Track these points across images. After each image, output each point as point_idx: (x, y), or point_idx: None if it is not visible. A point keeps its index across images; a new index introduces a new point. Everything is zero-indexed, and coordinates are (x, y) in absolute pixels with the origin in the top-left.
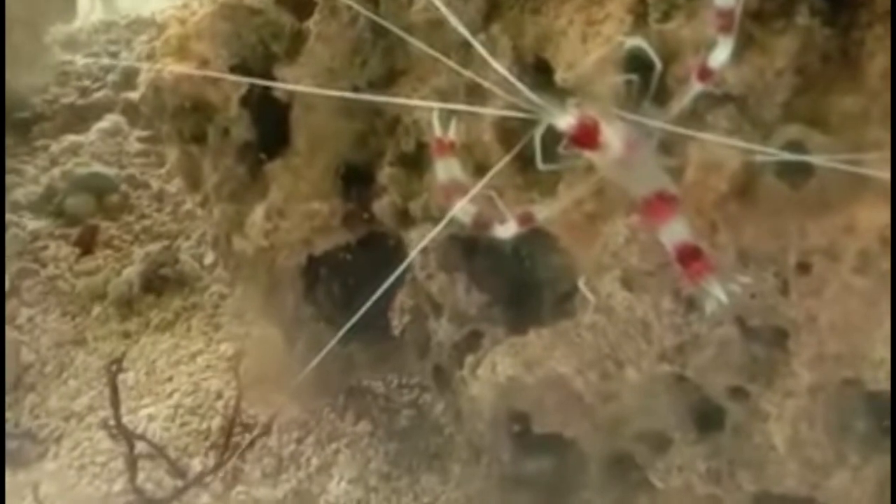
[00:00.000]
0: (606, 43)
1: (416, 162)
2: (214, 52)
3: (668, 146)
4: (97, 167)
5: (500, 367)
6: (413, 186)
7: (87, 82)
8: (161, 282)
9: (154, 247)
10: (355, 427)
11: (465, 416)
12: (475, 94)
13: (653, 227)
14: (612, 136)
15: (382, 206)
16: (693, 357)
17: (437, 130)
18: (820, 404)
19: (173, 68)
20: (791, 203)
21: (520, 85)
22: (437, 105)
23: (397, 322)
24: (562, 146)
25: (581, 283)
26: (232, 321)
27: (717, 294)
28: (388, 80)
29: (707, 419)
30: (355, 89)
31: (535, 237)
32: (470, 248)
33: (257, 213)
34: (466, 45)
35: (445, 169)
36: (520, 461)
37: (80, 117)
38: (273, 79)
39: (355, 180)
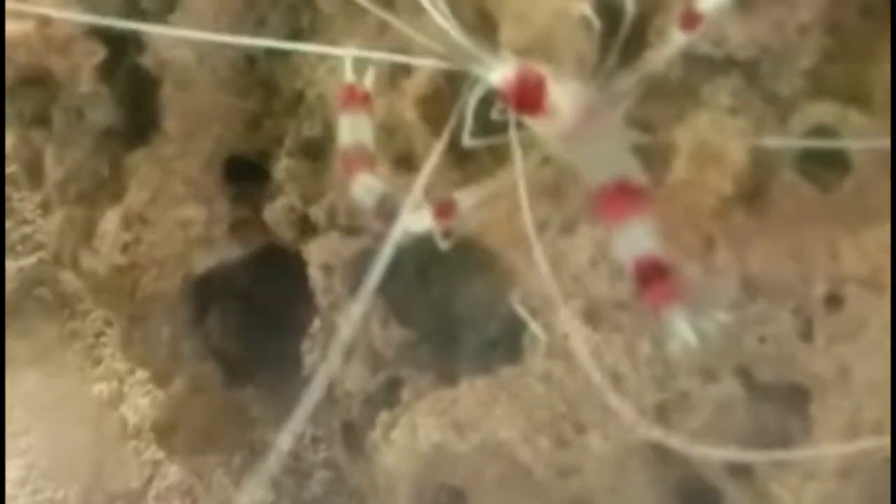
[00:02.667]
0: None
1: (320, 151)
2: (63, 9)
3: (641, 119)
4: None
5: (422, 431)
6: (317, 184)
7: None
8: (35, 304)
9: (30, 260)
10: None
11: (381, 491)
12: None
13: (607, 228)
14: (562, 97)
15: (276, 211)
16: (680, 421)
17: (349, 75)
18: (852, 489)
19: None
20: (819, 211)
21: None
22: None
23: (312, 358)
24: (496, 111)
25: (518, 306)
26: (116, 353)
27: (682, 332)
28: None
29: (697, 503)
30: (248, 57)
31: (472, 254)
32: (390, 267)
33: (110, 221)
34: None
35: (352, 128)
36: None
37: None
38: (141, 44)
39: (247, 176)
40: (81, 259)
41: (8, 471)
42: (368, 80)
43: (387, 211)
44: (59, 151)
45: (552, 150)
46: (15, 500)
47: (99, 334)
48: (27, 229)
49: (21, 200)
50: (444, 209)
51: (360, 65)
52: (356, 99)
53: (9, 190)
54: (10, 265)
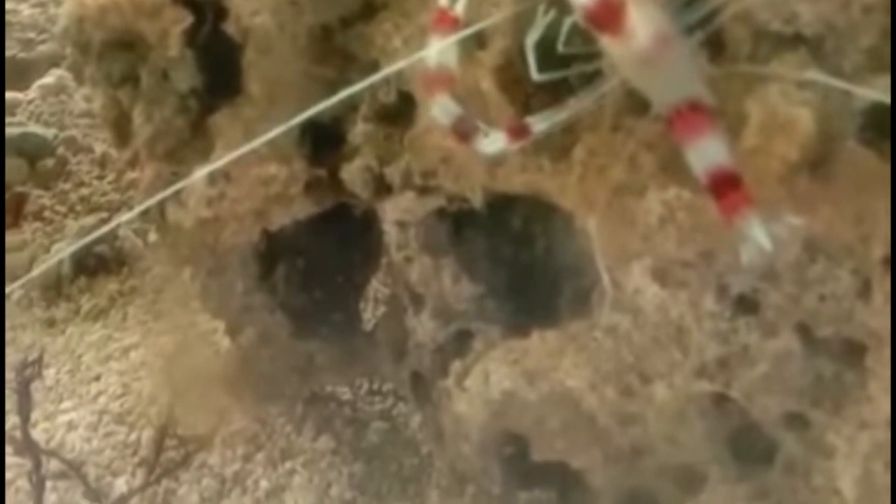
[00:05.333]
0: None
1: (396, 116)
2: None
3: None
4: (32, 127)
5: (493, 378)
6: (392, 147)
7: (31, 34)
8: (96, 261)
9: (90, 220)
10: (315, 443)
11: (447, 436)
12: None
13: (680, 144)
14: (640, 22)
15: (353, 171)
16: (740, 373)
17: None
18: None
19: None
20: (879, 178)
21: None
22: None
23: (370, 314)
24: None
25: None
26: (175, 308)
27: (757, 237)
28: (365, 17)
29: (753, 452)
30: (324, 28)
31: (542, 213)
32: (460, 224)
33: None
34: None
35: (439, 50)
36: (513, 493)
37: (21, 72)
38: (223, 11)
39: (322, 139)
40: (168, 212)
41: (81, 417)
42: (460, 6)
43: (461, 131)
44: (148, 110)
45: (625, 74)
46: (90, 443)
47: (159, 290)
48: (85, 191)
49: (78, 164)
50: (517, 132)
51: None
52: (447, 22)
53: (65, 154)
54: (71, 224)
